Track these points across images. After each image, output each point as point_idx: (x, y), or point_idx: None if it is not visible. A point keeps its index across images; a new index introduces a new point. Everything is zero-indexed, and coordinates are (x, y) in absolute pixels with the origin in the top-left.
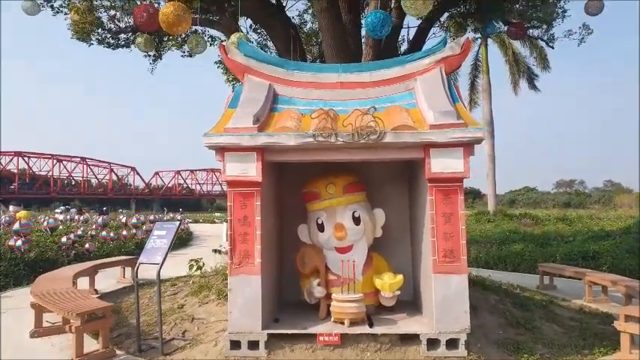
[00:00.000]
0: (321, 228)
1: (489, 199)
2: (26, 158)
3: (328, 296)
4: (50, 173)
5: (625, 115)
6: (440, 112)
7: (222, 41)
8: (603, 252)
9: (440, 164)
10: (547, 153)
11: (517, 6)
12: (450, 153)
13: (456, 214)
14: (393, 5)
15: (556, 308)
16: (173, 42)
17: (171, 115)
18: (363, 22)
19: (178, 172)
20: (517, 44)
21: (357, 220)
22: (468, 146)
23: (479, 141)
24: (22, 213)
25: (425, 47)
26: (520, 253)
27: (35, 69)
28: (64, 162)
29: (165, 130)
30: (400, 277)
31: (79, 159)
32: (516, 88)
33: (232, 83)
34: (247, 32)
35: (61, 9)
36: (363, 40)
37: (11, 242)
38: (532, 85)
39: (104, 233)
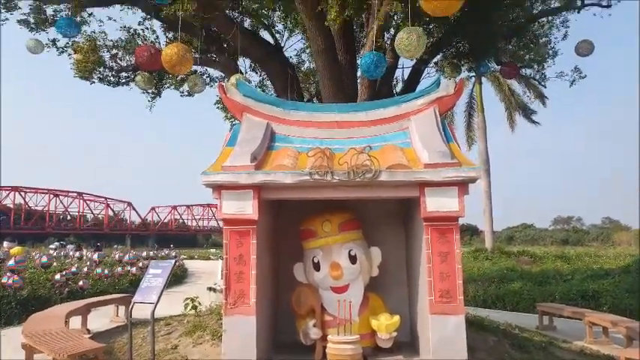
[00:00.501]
0: (317, 267)
1: (487, 235)
2: (23, 193)
3: (324, 337)
4: (46, 208)
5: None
6: (434, 151)
7: (221, 81)
8: (603, 291)
9: (435, 203)
10: (544, 189)
11: (509, 46)
12: (444, 192)
13: (452, 253)
14: (387, 46)
15: (556, 350)
16: (172, 81)
17: (170, 148)
18: (358, 62)
19: (175, 208)
20: (512, 81)
21: (353, 259)
22: (462, 185)
23: (473, 180)
24: (16, 249)
25: (419, 87)
26: (518, 292)
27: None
28: (61, 197)
29: (163, 164)
30: (397, 318)
31: (75, 194)
32: (512, 125)
33: (231, 121)
34: (246, 71)
35: (65, 49)
36: (358, 79)
37: (4, 280)
38: (530, 119)
39: (99, 270)
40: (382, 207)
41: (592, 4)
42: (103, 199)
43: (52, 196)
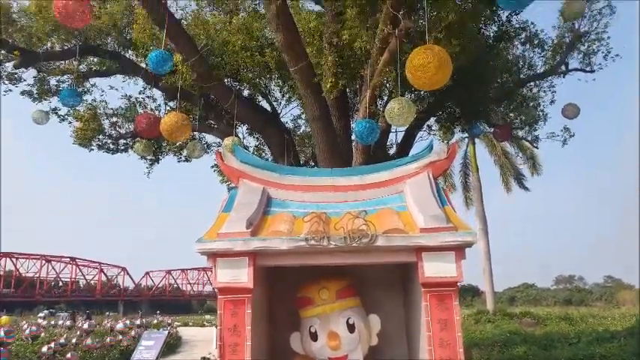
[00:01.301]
0: (314, 337)
1: (488, 296)
2: (14, 259)
3: None
4: (37, 275)
5: (624, 207)
6: (429, 215)
7: (218, 148)
8: (610, 356)
9: (433, 268)
10: (544, 248)
11: (500, 109)
12: (442, 257)
13: (452, 320)
14: (380, 112)
15: None
16: (171, 147)
17: (166, 210)
18: (353, 126)
19: (169, 272)
20: (505, 143)
21: (351, 328)
22: (459, 250)
23: (469, 244)
24: (3, 319)
25: (413, 150)
26: (523, 357)
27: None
28: (53, 262)
29: (160, 226)
30: None
31: (68, 259)
32: (508, 188)
33: (227, 183)
34: (244, 137)
35: (66, 117)
36: (353, 143)
37: None
38: (521, 185)
39: (89, 341)
40: (380, 271)
41: (576, 70)
42: (97, 264)
43: (44, 261)
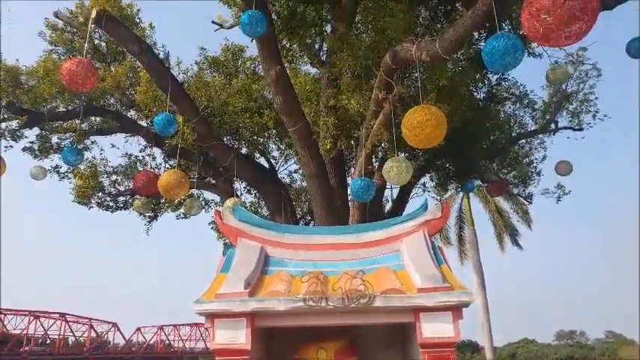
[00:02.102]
0: None
1: (487, 352)
2: (2, 316)
3: None
4: (25, 331)
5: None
6: (426, 275)
7: (217, 208)
8: None
9: (431, 329)
10: (544, 301)
11: (494, 165)
12: (439, 317)
13: None
14: (375, 169)
15: None
16: (169, 204)
17: (161, 265)
18: (349, 182)
19: (161, 328)
20: (499, 198)
21: None
22: (456, 310)
23: (466, 304)
24: None
25: (408, 206)
26: None
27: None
28: (42, 318)
29: (152, 281)
30: None
31: (57, 315)
32: (502, 245)
33: (223, 240)
34: (241, 193)
35: (66, 174)
36: (350, 200)
37: None
38: (515, 242)
39: None
40: (379, 331)
41: (565, 128)
42: (87, 320)
43: (32, 318)
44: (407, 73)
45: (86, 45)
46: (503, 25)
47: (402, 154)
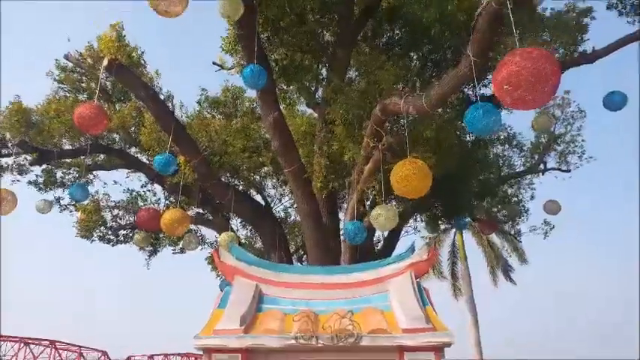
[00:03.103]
0: None
1: None
2: None
3: None
4: (14, 358)
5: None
6: (411, 316)
7: (213, 244)
8: None
9: None
10: (540, 334)
11: (484, 203)
12: (422, 356)
13: None
14: (367, 211)
15: None
16: (168, 239)
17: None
18: (341, 224)
19: (151, 357)
20: (492, 235)
21: None
22: (438, 350)
23: (447, 345)
24: None
25: (399, 244)
26: None
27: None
28: (32, 345)
29: (145, 309)
30: None
31: (47, 342)
32: (495, 280)
33: (219, 275)
34: (237, 229)
35: (68, 207)
36: (341, 238)
37: None
38: (507, 277)
39: None
40: None
41: (554, 169)
42: (77, 348)
43: (22, 344)
44: (396, 123)
45: (97, 91)
46: (485, 81)
47: (391, 200)
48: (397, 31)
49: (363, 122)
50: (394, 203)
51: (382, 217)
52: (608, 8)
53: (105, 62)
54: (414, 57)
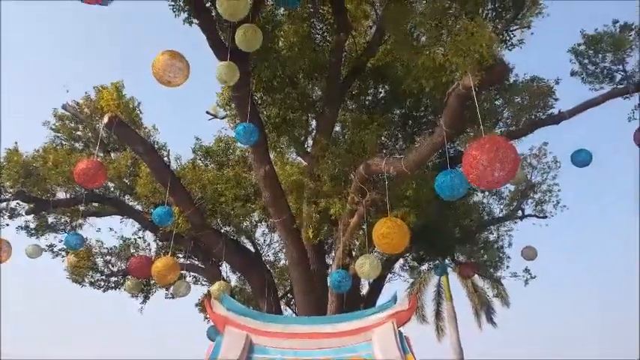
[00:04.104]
0: None
1: None
2: None
3: None
4: None
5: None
6: None
7: (207, 298)
8: None
9: None
10: None
11: (465, 248)
12: None
13: None
14: (353, 261)
15: None
16: (159, 285)
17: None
18: (329, 272)
19: None
20: (475, 276)
21: None
22: None
23: None
24: None
25: (384, 289)
26: None
27: None
28: None
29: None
30: None
31: None
32: (479, 322)
33: (206, 318)
34: (227, 275)
35: (60, 252)
36: (329, 285)
37: None
38: (489, 320)
39: None
40: None
41: (531, 216)
42: None
43: None
44: (380, 179)
45: (97, 148)
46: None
47: (376, 250)
48: (381, 89)
49: (348, 177)
50: (378, 253)
51: (366, 267)
52: (572, 75)
53: (105, 119)
54: (397, 113)
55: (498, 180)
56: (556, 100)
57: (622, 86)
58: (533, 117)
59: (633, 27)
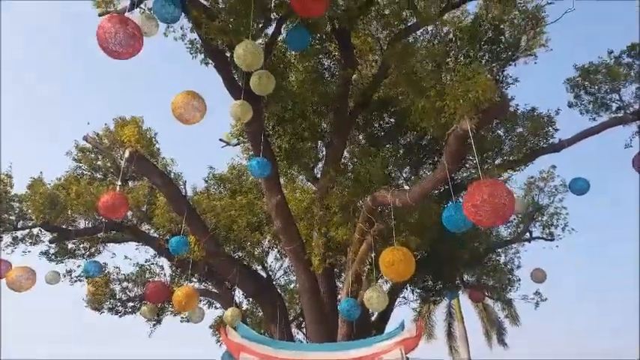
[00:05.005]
0: None
1: None
2: None
3: None
4: None
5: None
6: None
7: (220, 324)
8: None
9: None
10: None
11: (475, 271)
12: None
13: None
14: (362, 289)
15: None
16: (173, 310)
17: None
18: (339, 299)
19: None
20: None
21: None
22: None
23: None
24: None
25: (393, 314)
26: None
27: None
28: None
29: None
30: None
31: None
32: (490, 341)
33: (219, 341)
34: (241, 301)
35: (79, 278)
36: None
37: None
38: (500, 340)
39: None
40: None
41: (539, 238)
42: None
43: None
44: (387, 208)
45: (119, 181)
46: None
47: (383, 277)
48: (387, 120)
49: (356, 207)
50: (386, 280)
51: (374, 300)
52: (569, 106)
53: (126, 154)
54: (402, 142)
55: (499, 219)
56: (556, 130)
57: (620, 115)
58: (534, 146)
59: (629, 55)
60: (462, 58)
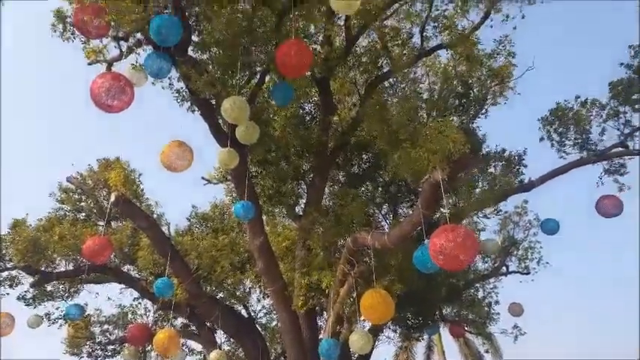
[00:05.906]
0: None
1: None
2: None
3: None
4: None
5: None
6: None
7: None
8: None
9: None
10: None
11: (454, 307)
12: None
13: None
14: (343, 329)
15: None
16: (159, 355)
17: None
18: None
19: None
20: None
21: None
22: None
23: None
24: None
25: (375, 352)
26: None
27: None
28: None
29: None
30: None
31: None
32: None
33: None
34: (222, 342)
35: (57, 320)
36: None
37: None
38: None
39: None
40: None
41: (515, 272)
42: None
43: None
44: (368, 250)
45: (104, 224)
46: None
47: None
48: (365, 159)
49: (337, 248)
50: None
51: (359, 343)
52: (540, 140)
53: (112, 198)
54: (379, 180)
55: (462, 263)
56: (525, 166)
57: (584, 156)
58: (505, 186)
59: (594, 103)
60: (433, 114)
